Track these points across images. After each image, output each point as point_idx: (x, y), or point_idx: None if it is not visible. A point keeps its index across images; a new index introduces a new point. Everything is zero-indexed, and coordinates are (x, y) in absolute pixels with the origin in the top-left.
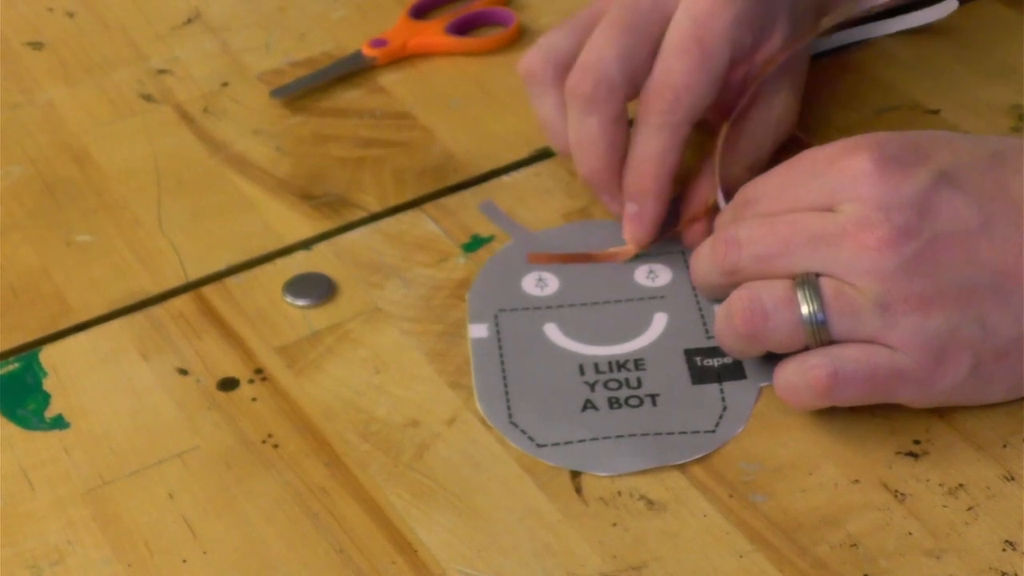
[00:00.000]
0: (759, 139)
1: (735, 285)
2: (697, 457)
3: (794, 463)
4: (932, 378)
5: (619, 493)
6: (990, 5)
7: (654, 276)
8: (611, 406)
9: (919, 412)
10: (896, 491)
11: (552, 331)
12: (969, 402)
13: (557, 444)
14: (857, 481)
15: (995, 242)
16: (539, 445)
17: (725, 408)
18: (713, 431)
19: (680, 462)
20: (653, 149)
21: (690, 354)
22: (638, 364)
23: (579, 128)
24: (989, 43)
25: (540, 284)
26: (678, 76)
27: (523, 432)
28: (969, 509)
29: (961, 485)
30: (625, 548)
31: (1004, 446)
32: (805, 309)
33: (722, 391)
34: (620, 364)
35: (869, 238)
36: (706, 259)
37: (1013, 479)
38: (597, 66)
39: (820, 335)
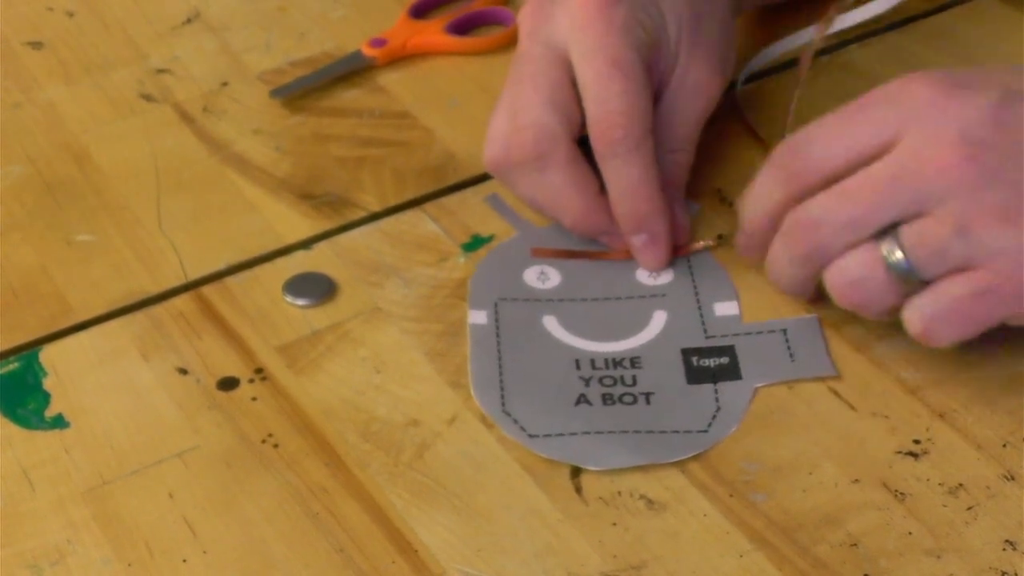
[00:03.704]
0: (679, 119)
1: (823, 267)
2: (688, 456)
3: (794, 463)
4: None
5: (619, 493)
6: (990, 5)
7: (656, 274)
8: (605, 402)
9: (919, 412)
10: (896, 491)
11: (551, 324)
12: None
13: (549, 435)
14: (857, 481)
15: None
16: (531, 435)
17: (719, 408)
18: (706, 431)
19: (671, 460)
20: (635, 175)
21: (687, 353)
22: (634, 362)
23: (542, 187)
24: (989, 43)
25: (542, 277)
26: (616, 102)
27: (515, 422)
28: (969, 509)
29: (961, 485)
30: (625, 548)
31: (1004, 446)
32: (892, 262)
33: (716, 391)
34: (616, 361)
35: (947, 155)
36: (783, 254)
37: (1013, 479)
38: (528, 123)
39: (913, 282)
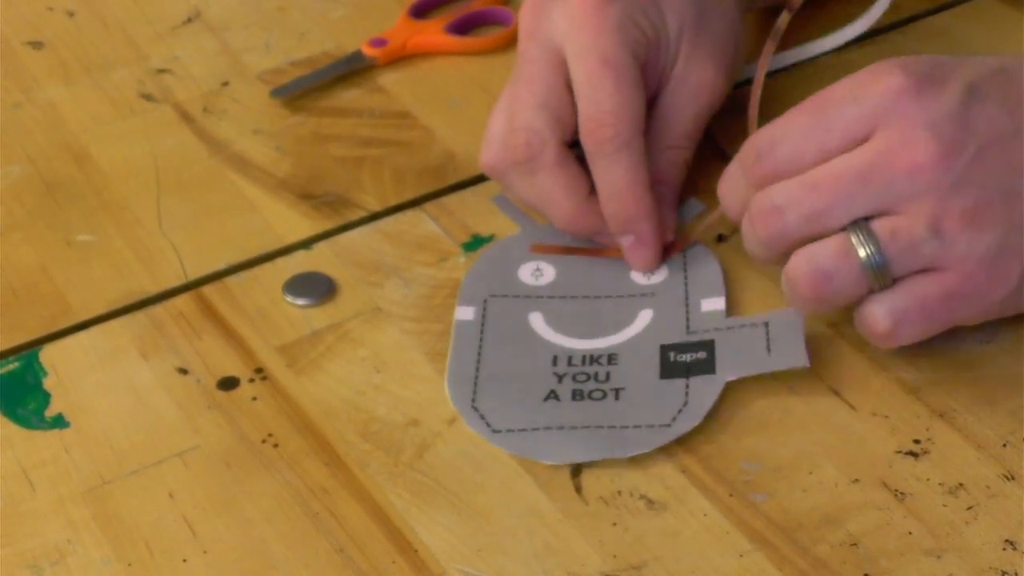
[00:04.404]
0: (678, 116)
1: (786, 251)
2: (647, 450)
3: (794, 463)
4: (986, 292)
5: (619, 493)
6: (990, 5)
7: (650, 273)
8: (574, 398)
9: (919, 412)
10: (896, 491)
11: (536, 320)
12: (1016, 311)
13: (512, 431)
14: (857, 481)
15: None
16: (495, 431)
17: (686, 403)
18: (668, 425)
19: (628, 455)
20: (622, 176)
21: (665, 349)
22: (611, 359)
23: (532, 189)
24: (989, 43)
25: (536, 274)
26: (606, 102)
27: (481, 417)
28: (969, 508)
29: (961, 485)
30: (625, 547)
31: (1004, 446)
32: (864, 256)
33: (688, 386)
34: (594, 358)
35: (920, 156)
36: (750, 236)
37: (1013, 479)
38: (520, 127)
39: (882, 278)
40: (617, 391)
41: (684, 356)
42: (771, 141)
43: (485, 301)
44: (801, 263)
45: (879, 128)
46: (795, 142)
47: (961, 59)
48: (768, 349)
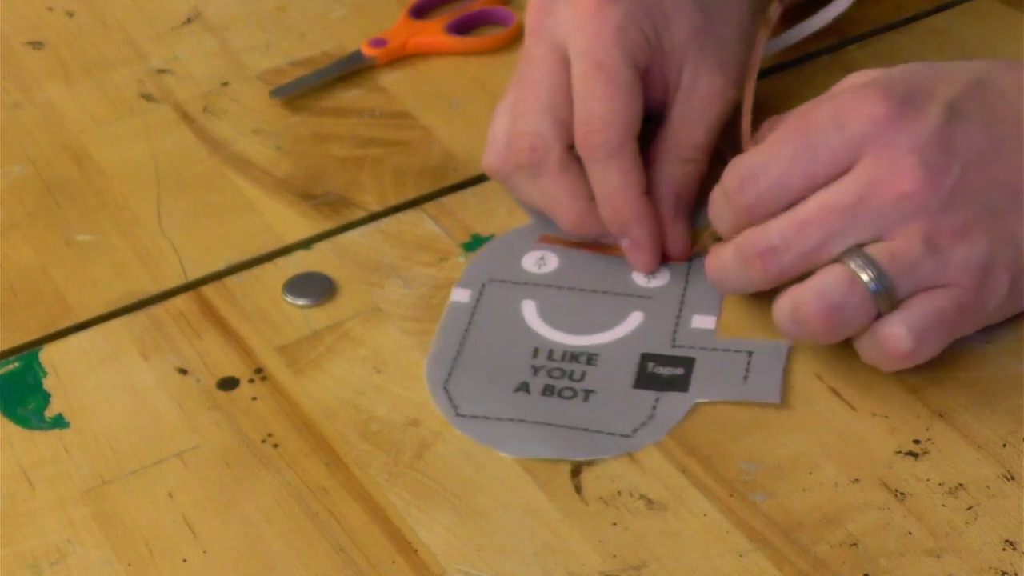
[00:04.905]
0: (690, 129)
1: (773, 285)
2: (604, 457)
3: (794, 463)
4: (982, 302)
5: (619, 493)
6: (990, 5)
7: (651, 276)
8: (544, 393)
9: (919, 412)
10: (896, 491)
11: (528, 308)
12: (1004, 317)
13: (476, 417)
14: (857, 481)
15: (1006, 163)
16: (459, 415)
17: (651, 417)
18: (629, 436)
19: (585, 459)
20: (613, 180)
21: (645, 358)
22: (591, 359)
23: (536, 192)
24: (989, 43)
25: (540, 262)
26: (597, 106)
27: (449, 399)
28: (969, 509)
29: (961, 485)
30: (625, 547)
31: (1004, 446)
32: (867, 280)
33: (657, 400)
34: (574, 355)
35: (907, 183)
36: (739, 275)
37: (1013, 479)
38: (524, 131)
39: (889, 300)
40: (587, 393)
41: (662, 369)
42: (753, 170)
43: (483, 285)
44: (811, 300)
45: (864, 155)
46: (779, 171)
47: (937, 71)
48: (745, 378)
